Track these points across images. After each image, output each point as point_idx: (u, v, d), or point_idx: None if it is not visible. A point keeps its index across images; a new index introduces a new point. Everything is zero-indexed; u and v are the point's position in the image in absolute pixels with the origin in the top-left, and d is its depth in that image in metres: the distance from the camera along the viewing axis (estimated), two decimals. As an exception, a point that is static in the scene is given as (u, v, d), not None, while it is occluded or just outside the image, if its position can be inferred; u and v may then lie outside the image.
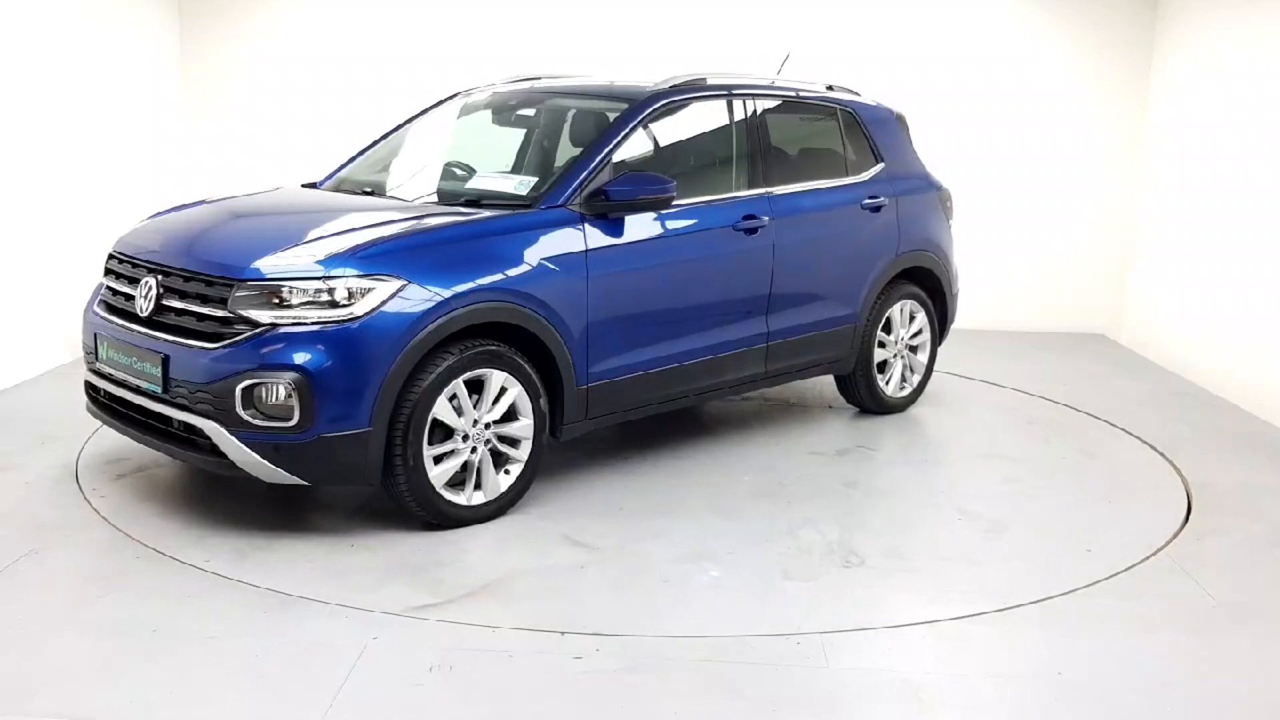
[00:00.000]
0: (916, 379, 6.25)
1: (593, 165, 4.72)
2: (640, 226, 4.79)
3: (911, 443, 5.77)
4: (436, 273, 4.15)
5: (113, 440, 5.28)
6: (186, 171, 8.32)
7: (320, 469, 4.07)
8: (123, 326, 4.38)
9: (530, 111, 5.57)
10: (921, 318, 6.17)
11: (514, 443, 4.45)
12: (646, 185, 4.68)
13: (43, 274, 6.60)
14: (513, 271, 4.36)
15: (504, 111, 5.64)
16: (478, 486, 4.38)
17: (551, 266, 4.46)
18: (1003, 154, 8.29)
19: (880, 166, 5.93)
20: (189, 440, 4.17)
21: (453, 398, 4.22)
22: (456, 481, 4.33)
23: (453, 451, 4.26)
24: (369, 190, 5.20)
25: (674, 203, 4.86)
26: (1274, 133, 6.43)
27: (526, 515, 4.52)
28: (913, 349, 6.19)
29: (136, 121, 7.69)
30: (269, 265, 4.08)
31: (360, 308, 4.00)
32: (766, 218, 5.22)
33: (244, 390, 3.94)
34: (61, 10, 6.72)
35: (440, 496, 4.25)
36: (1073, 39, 8.24)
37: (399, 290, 4.05)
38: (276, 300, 4.01)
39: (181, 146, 8.33)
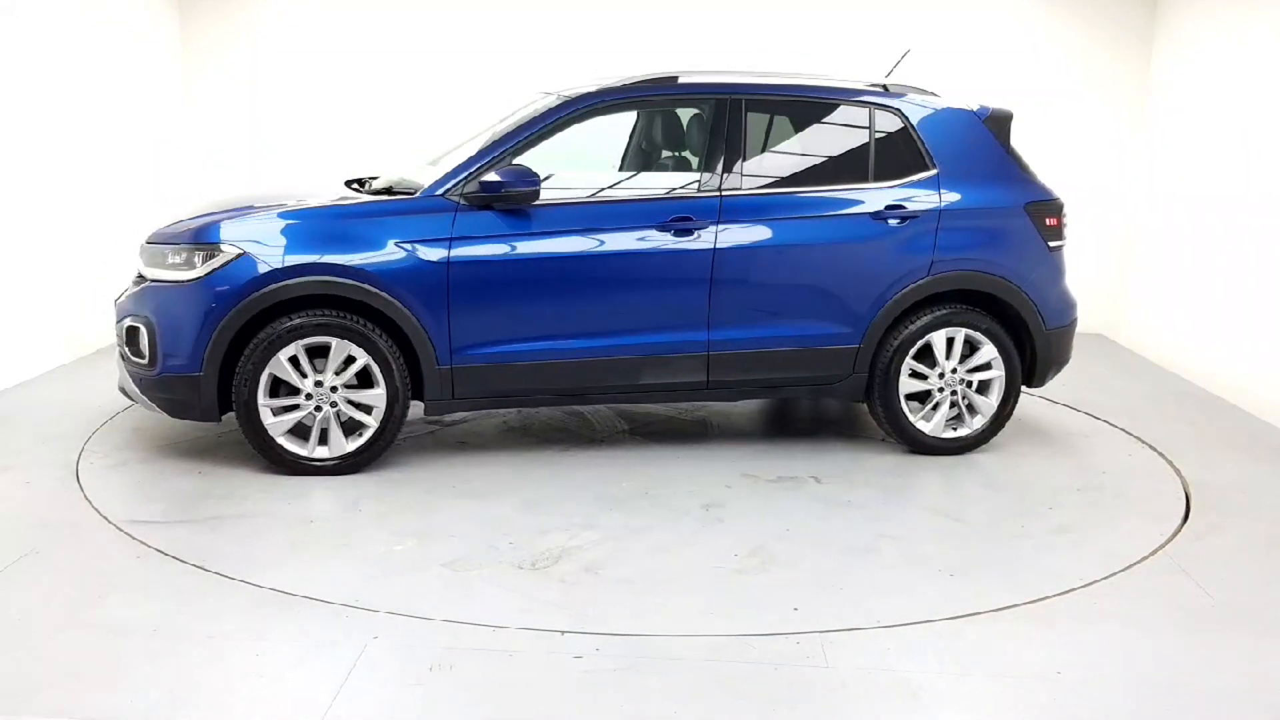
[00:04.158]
0: (980, 422, 5.38)
1: (484, 159, 4.89)
2: (536, 221, 4.88)
3: (877, 480, 5.03)
4: (272, 247, 4.69)
5: (113, 439, 5.29)
6: (187, 172, 8.33)
7: (168, 403, 4.84)
8: None
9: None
10: (989, 351, 5.29)
11: (369, 409, 4.85)
12: (514, 180, 4.79)
13: (43, 274, 6.61)
14: (355, 250, 4.74)
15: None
16: (324, 442, 4.84)
17: (407, 250, 4.77)
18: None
19: (930, 173, 5.26)
20: None
21: (294, 358, 4.73)
22: (305, 434, 4.84)
23: (296, 406, 4.78)
24: (358, 184, 5.50)
25: (592, 200, 5.04)
26: (1273, 134, 6.44)
27: (369, 477, 4.90)
28: (978, 386, 5.37)
29: (137, 122, 7.70)
30: (161, 233, 4.90)
31: (201, 270, 4.68)
32: (708, 221, 4.97)
33: (126, 330, 4.86)
34: (63, 10, 6.73)
35: (277, 444, 4.81)
36: (1072, 40, 8.24)
37: (235, 259, 4.67)
38: (160, 261, 4.81)
39: (182, 147, 8.33)
